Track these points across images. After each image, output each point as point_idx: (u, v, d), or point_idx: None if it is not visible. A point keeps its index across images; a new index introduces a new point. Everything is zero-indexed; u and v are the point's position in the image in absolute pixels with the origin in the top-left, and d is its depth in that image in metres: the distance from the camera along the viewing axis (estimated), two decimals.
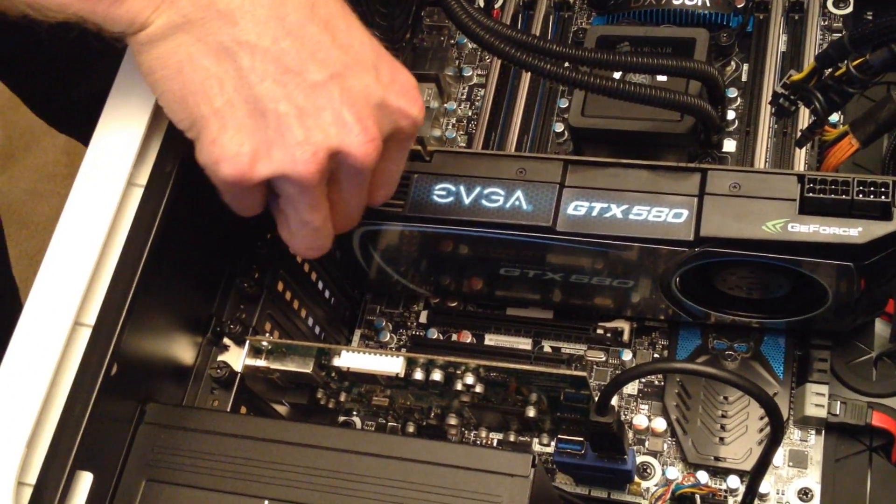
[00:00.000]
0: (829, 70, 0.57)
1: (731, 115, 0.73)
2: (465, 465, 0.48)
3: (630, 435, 0.66)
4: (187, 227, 0.57)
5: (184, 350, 0.58)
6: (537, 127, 0.77)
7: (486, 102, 0.79)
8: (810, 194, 0.55)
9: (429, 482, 0.48)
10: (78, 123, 1.02)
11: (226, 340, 0.59)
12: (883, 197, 0.54)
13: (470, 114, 0.80)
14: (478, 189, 0.61)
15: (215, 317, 0.60)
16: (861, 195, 0.55)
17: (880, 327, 0.67)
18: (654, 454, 0.65)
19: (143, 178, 0.54)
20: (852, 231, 0.54)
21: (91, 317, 0.50)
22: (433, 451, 0.49)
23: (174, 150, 0.54)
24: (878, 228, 0.54)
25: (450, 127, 0.80)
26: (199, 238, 0.59)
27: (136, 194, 0.53)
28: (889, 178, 0.55)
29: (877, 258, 0.55)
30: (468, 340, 0.72)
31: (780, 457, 0.63)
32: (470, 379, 0.57)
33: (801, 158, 0.70)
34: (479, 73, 0.82)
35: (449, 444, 0.52)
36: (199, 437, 0.52)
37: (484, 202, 0.61)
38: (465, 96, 0.81)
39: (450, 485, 0.48)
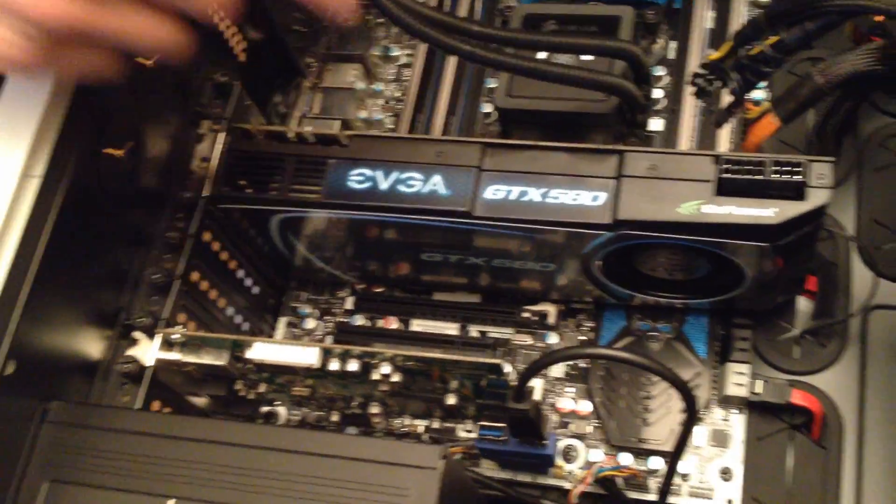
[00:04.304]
0: (747, 49, 0.57)
1: (658, 93, 0.73)
2: (374, 458, 0.48)
3: (555, 418, 0.66)
4: (91, 218, 0.55)
5: (90, 345, 0.56)
6: (465, 108, 0.76)
7: (413, 83, 0.77)
8: (726, 175, 0.55)
9: (337, 476, 0.47)
10: None
11: (135, 334, 0.58)
12: (797, 177, 0.54)
13: (398, 94, 0.78)
14: (395, 174, 0.60)
15: (124, 309, 0.58)
16: (776, 175, 0.54)
17: (803, 304, 0.67)
18: (579, 437, 0.65)
19: (40, 168, 0.52)
20: (767, 211, 0.54)
21: None
22: (341, 445, 0.48)
23: (71, 140, 0.52)
24: (792, 208, 0.54)
25: (377, 108, 0.78)
26: (104, 228, 0.57)
27: (33, 185, 0.51)
28: (803, 158, 0.54)
29: (792, 238, 0.55)
30: (394, 326, 0.71)
31: (702, 437, 0.63)
32: (386, 369, 0.57)
33: (726, 137, 0.70)
34: (408, 52, 0.80)
35: (358, 437, 0.51)
36: (104, 435, 0.51)
37: (401, 187, 0.59)
38: (393, 77, 0.79)
39: (358, 478, 0.47)
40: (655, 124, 0.72)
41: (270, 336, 0.73)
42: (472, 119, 0.75)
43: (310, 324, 0.72)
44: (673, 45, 0.74)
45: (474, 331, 0.70)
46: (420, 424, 0.67)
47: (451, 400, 0.59)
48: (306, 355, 0.56)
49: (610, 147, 0.59)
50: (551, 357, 0.55)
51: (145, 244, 0.61)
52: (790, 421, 0.63)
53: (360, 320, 0.72)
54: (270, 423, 0.65)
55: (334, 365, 0.56)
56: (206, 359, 0.58)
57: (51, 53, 0.45)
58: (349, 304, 0.73)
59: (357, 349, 0.56)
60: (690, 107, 0.71)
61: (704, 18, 0.74)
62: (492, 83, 0.76)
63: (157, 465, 0.49)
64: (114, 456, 0.50)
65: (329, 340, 0.71)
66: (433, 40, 0.59)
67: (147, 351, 0.58)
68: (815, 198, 0.54)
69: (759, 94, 0.71)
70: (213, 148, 0.63)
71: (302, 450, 0.48)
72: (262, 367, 0.59)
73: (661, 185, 0.56)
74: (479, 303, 0.71)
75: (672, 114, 0.72)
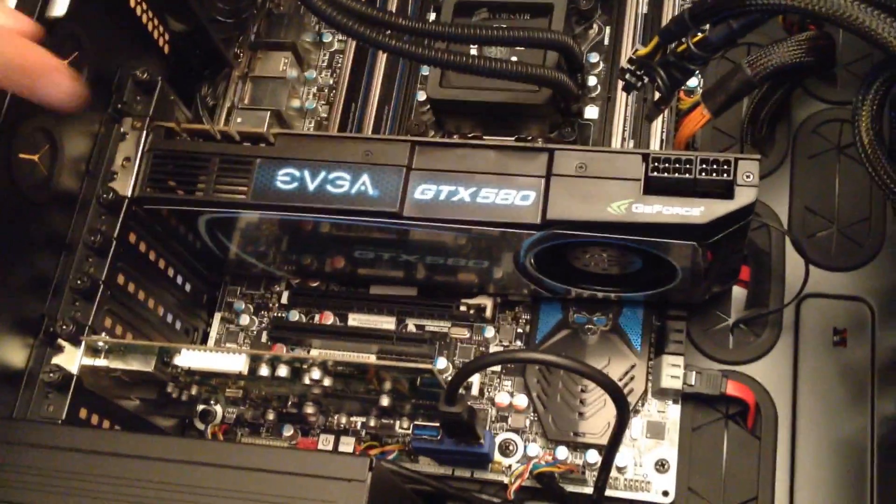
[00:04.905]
0: (673, 45, 0.56)
1: (593, 80, 0.72)
2: (301, 471, 0.47)
3: (493, 412, 0.66)
4: (8, 224, 0.54)
5: (12, 354, 0.55)
6: (399, 96, 0.75)
7: (345, 71, 0.75)
8: (654, 174, 0.55)
9: (263, 490, 0.47)
10: None
11: (60, 341, 0.56)
12: (725, 175, 0.54)
13: (332, 82, 0.77)
14: (322, 174, 0.59)
15: (47, 317, 0.57)
16: (703, 174, 0.54)
17: (738, 294, 0.67)
18: (517, 431, 0.65)
19: None
20: (694, 211, 0.54)
21: None
22: (268, 458, 0.47)
23: None
24: (720, 207, 0.54)
25: (310, 97, 0.76)
26: (23, 234, 0.55)
27: None
28: (731, 156, 0.54)
29: (720, 236, 0.55)
30: (331, 321, 0.70)
31: (638, 428, 0.64)
32: (316, 374, 0.56)
33: (659, 127, 0.69)
34: (340, 38, 0.78)
35: (286, 449, 0.51)
36: (25, 450, 0.50)
37: (329, 188, 0.58)
38: (325, 63, 0.78)
39: (285, 492, 0.47)
40: (591, 112, 0.71)
41: (206, 333, 0.71)
42: (406, 107, 0.74)
43: (244, 320, 0.71)
44: (608, 30, 0.73)
45: (412, 324, 0.70)
46: (357, 421, 0.67)
47: (385, 402, 0.59)
48: (233, 363, 0.55)
49: (539, 146, 0.58)
50: (482, 361, 0.55)
51: (68, 248, 0.59)
52: (725, 411, 0.64)
53: (295, 315, 0.71)
54: (199, 432, 0.64)
55: (264, 371, 0.56)
56: (133, 365, 0.57)
57: None
58: (285, 298, 0.72)
59: (286, 355, 0.55)
60: (625, 94, 0.70)
61: (639, 4, 0.73)
62: (426, 71, 0.75)
63: (80, 481, 0.48)
64: (36, 472, 0.49)
65: (264, 336, 0.71)
66: (359, 36, 0.57)
67: (72, 359, 0.56)
68: (743, 196, 0.54)
69: (693, 81, 0.71)
70: (136, 147, 0.61)
71: (228, 464, 0.47)
72: (191, 371, 0.58)
73: (590, 184, 0.56)
74: (415, 297, 0.70)
75: (607, 101, 0.71)
